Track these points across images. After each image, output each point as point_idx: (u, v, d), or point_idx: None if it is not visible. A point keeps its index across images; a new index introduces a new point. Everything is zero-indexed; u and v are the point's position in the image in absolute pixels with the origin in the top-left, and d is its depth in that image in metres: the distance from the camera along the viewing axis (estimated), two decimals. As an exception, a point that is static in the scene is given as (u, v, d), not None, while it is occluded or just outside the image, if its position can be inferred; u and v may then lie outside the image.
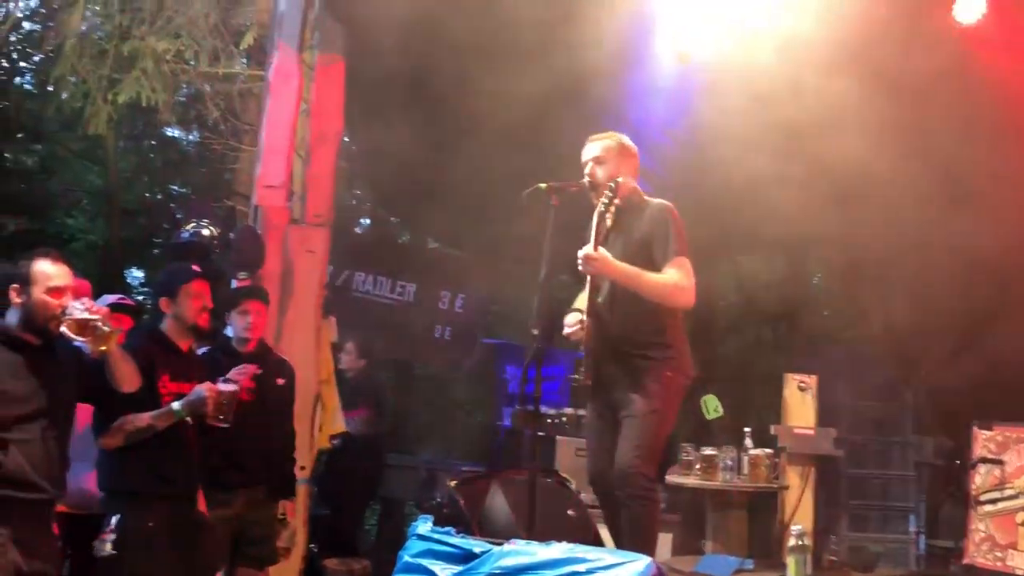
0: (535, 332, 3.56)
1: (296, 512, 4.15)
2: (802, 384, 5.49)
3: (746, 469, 5.10)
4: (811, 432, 5.40)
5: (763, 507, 5.45)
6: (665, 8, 5.42)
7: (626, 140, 3.84)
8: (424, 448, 8.16)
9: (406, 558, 3.00)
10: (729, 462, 5.03)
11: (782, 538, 5.11)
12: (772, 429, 5.43)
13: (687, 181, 6.57)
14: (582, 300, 3.86)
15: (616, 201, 3.52)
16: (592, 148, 3.79)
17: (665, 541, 5.36)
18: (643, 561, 2.70)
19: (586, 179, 3.74)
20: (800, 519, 5.19)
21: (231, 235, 4.70)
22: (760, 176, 6.06)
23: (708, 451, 5.11)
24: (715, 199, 6.75)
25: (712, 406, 5.68)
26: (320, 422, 4.87)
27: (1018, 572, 4.52)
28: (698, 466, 5.13)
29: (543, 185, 3.70)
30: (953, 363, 5.89)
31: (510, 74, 5.11)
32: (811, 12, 5.04)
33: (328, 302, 5.04)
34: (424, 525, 3.10)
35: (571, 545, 2.82)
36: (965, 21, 5.53)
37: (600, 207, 3.52)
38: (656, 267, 3.54)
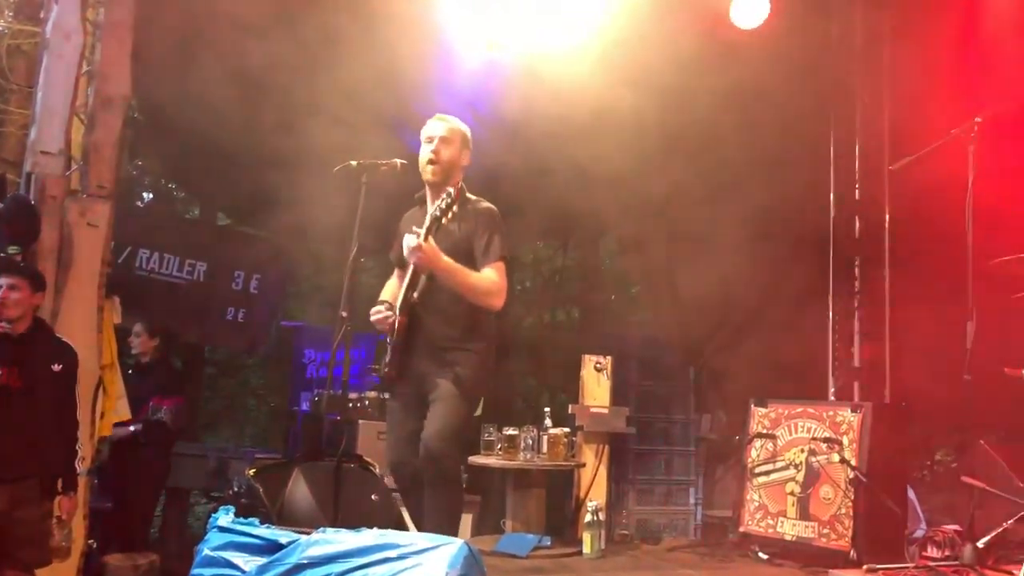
0: (344, 315, 3.48)
1: (76, 507, 3.83)
2: (598, 364, 5.70)
3: (545, 448, 5.24)
4: (606, 411, 5.62)
5: (561, 484, 5.62)
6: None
7: (466, 128, 3.82)
8: (214, 435, 7.79)
9: (206, 551, 2.84)
10: (530, 441, 5.15)
11: (577, 515, 5.31)
12: (570, 408, 5.60)
13: (491, 165, 6.66)
14: (388, 292, 3.83)
15: (454, 208, 3.49)
16: (439, 126, 3.74)
17: (466, 522, 5.41)
18: (456, 544, 2.70)
19: (429, 155, 3.70)
20: (595, 495, 5.40)
21: (-1, 205, 4.24)
22: (557, 164, 6.25)
23: (510, 431, 5.21)
24: (516, 184, 6.89)
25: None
26: (102, 409, 4.52)
27: (786, 537, 4.92)
28: (500, 446, 5.21)
29: (355, 162, 3.63)
30: (733, 346, 6.32)
31: (317, 47, 4.95)
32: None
33: (110, 281, 4.69)
34: (225, 517, 2.94)
35: (382, 531, 2.77)
36: (745, 26, 5.94)
37: (437, 209, 3.48)
38: (474, 265, 3.60)
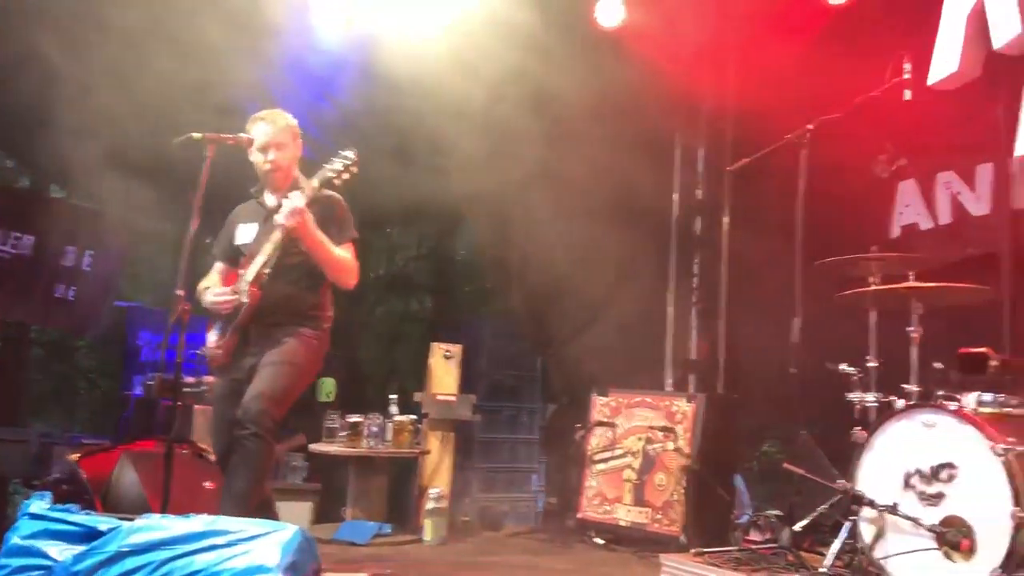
0: (180, 294, 3.34)
1: None
2: (447, 353, 5.71)
3: (390, 435, 5.20)
4: (453, 399, 5.63)
5: (405, 472, 5.60)
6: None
7: (292, 120, 3.75)
8: (40, 420, 7.32)
9: (15, 540, 2.66)
10: (374, 428, 5.10)
11: (420, 502, 5.30)
12: (416, 396, 5.58)
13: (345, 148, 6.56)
14: (212, 278, 3.72)
15: (344, 175, 3.49)
16: (267, 131, 3.66)
17: (306, 510, 5.32)
18: (289, 530, 2.63)
19: (267, 165, 3.64)
20: (439, 483, 5.41)
21: None
22: (414, 151, 6.22)
23: (354, 418, 5.14)
24: (370, 169, 6.79)
25: (327, 390, 5.79)
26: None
27: (621, 523, 5.08)
28: (343, 433, 5.14)
29: (197, 135, 3.49)
30: (580, 337, 6.46)
31: (162, 12, 4.72)
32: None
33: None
34: (39, 503, 2.76)
35: (213, 517, 2.67)
36: (607, 24, 6.09)
37: (329, 172, 3.48)
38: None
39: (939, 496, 3.20)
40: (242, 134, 3.63)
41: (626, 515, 5.09)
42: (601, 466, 5.30)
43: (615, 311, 6.40)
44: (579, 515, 5.31)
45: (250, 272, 3.49)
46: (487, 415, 6.93)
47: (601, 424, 5.35)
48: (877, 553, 3.34)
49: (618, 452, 5.25)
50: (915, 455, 3.30)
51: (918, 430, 3.32)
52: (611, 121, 5.96)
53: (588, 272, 6.20)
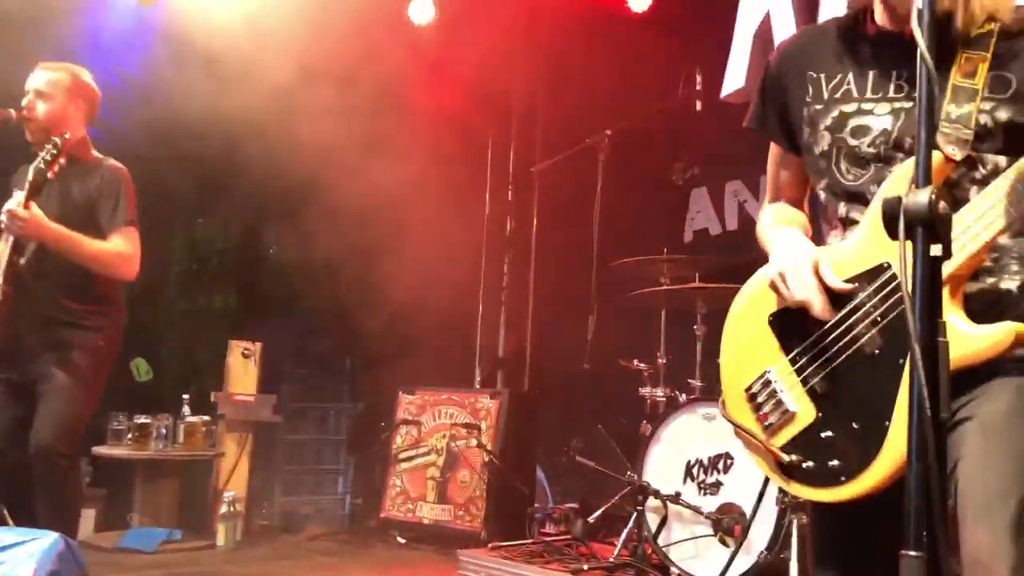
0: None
1: None
2: (246, 351, 5.50)
3: (182, 437, 4.94)
4: (251, 399, 5.42)
5: (198, 475, 5.32)
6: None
7: (84, 76, 3.43)
8: None
9: None
10: (163, 430, 4.82)
11: (214, 506, 5.07)
12: (212, 396, 5.33)
13: (146, 134, 6.21)
14: None
15: (61, 160, 3.10)
16: (38, 78, 3.33)
17: (88, 517, 4.96)
18: (49, 537, 2.43)
19: (22, 111, 3.29)
20: (235, 486, 5.18)
21: None
22: (223, 140, 5.95)
23: (142, 419, 4.85)
24: (168, 153, 6.48)
25: (143, 369, 5.46)
26: None
27: (425, 521, 5.06)
28: (130, 436, 4.83)
29: (-45, 110, 3.17)
30: (389, 334, 6.39)
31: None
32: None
33: None
34: None
35: (-41, 528, 2.42)
36: (419, 22, 6.08)
37: (40, 162, 3.06)
38: (100, 233, 3.26)
39: (717, 485, 3.38)
40: (9, 109, 3.31)
41: (429, 513, 5.08)
42: (405, 464, 5.26)
43: (425, 309, 6.39)
44: (382, 515, 5.25)
45: (2, 257, 3.17)
46: (293, 415, 6.73)
47: (406, 422, 5.31)
48: (661, 541, 3.49)
49: (423, 450, 5.23)
50: (696, 447, 3.47)
51: (699, 423, 3.49)
52: (425, 118, 5.94)
53: (398, 267, 6.15)
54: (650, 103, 4.76)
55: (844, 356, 1.56)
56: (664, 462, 3.58)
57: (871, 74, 1.66)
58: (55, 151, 3.03)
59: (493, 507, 4.85)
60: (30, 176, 3.04)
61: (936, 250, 1.04)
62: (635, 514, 3.56)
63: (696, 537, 3.37)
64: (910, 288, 1.04)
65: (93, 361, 3.27)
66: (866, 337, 1.53)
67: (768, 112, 1.83)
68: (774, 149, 1.87)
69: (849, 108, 1.66)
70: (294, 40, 5.40)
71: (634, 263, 4.17)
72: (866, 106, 1.64)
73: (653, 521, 3.52)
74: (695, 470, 3.45)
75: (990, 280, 1.54)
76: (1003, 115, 1.53)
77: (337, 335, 7.10)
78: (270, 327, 7.18)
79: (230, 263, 8.97)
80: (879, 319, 1.53)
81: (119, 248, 3.24)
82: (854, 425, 1.53)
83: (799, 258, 1.62)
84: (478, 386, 6.26)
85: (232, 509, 4.75)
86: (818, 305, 1.58)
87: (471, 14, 6.06)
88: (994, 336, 1.42)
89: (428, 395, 5.33)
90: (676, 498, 3.43)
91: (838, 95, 1.69)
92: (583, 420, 5.52)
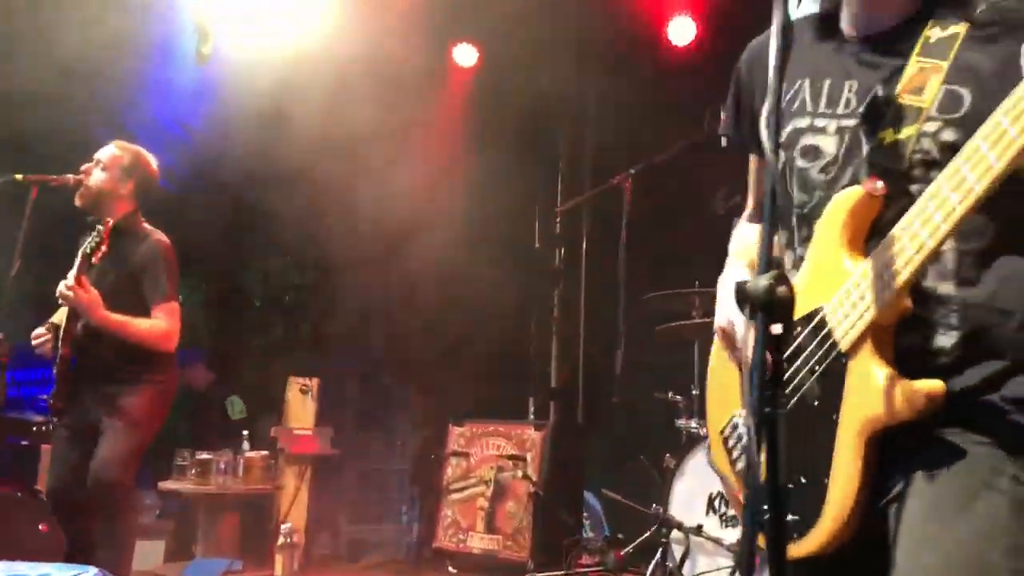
0: None
1: None
2: (304, 387, 5.74)
3: (242, 471, 5.20)
4: (309, 432, 5.66)
5: (259, 508, 5.58)
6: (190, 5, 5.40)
7: (145, 158, 3.73)
8: None
9: None
10: (223, 465, 5.09)
11: (274, 538, 5.30)
12: (272, 431, 5.60)
13: (206, 177, 6.60)
14: (60, 315, 3.71)
15: (103, 247, 3.39)
16: (105, 151, 3.69)
17: (157, 549, 5.26)
18: (89, 571, 2.66)
19: (80, 176, 3.61)
20: (294, 517, 5.42)
21: None
22: (283, 178, 6.26)
23: (203, 455, 5.12)
24: (237, 198, 6.85)
25: (238, 408, 5.77)
26: None
27: (475, 551, 5.20)
28: (193, 471, 5.11)
29: (19, 176, 3.51)
30: (448, 365, 6.57)
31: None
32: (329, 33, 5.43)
33: None
34: None
35: (9, 563, 2.67)
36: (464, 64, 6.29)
37: (87, 247, 3.38)
38: (144, 302, 3.54)
39: (736, 517, 3.42)
40: (68, 176, 3.62)
41: (479, 543, 5.21)
42: (456, 495, 5.41)
43: (481, 340, 6.55)
44: (435, 545, 5.40)
45: (59, 316, 3.50)
46: (357, 445, 6.96)
47: (456, 454, 5.46)
48: (685, 572, 3.54)
49: (472, 481, 5.37)
50: (718, 479, 3.51)
51: (720, 456, 3.54)
52: (480, 160, 6.09)
53: (453, 300, 6.33)
54: (685, 136, 4.82)
55: (791, 404, 1.47)
56: (688, 494, 3.64)
57: (826, 85, 1.50)
58: (99, 239, 3.33)
59: (540, 537, 4.95)
60: (78, 259, 3.35)
61: (777, 329, 1.13)
62: (660, 547, 3.63)
63: (719, 569, 3.42)
64: (762, 363, 1.12)
65: (146, 408, 3.55)
66: (806, 386, 1.45)
67: (741, 117, 1.69)
68: (751, 157, 1.74)
69: (803, 123, 1.52)
70: (343, 88, 5.66)
71: (662, 297, 4.25)
72: (818, 123, 1.50)
73: (677, 552, 3.58)
74: (716, 502, 3.50)
75: (925, 333, 1.39)
76: (948, 137, 1.35)
77: (399, 368, 7.31)
78: (334, 358, 7.45)
79: (301, 300, 9.33)
80: (815, 367, 1.44)
81: (158, 325, 3.52)
82: (802, 479, 1.46)
83: (735, 314, 1.55)
84: (532, 417, 6.38)
85: (290, 540, 4.97)
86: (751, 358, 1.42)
87: (515, 53, 6.24)
88: (911, 393, 1.32)
89: (476, 427, 5.48)
90: (698, 530, 3.48)
91: (794, 107, 1.54)
92: (631, 451, 5.59)
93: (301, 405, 5.70)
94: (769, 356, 1.13)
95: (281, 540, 4.94)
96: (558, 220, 6.73)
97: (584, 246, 6.55)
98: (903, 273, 1.30)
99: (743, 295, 1.14)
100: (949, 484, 1.32)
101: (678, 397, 4.33)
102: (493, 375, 6.55)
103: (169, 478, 5.18)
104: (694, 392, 4.26)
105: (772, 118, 1.17)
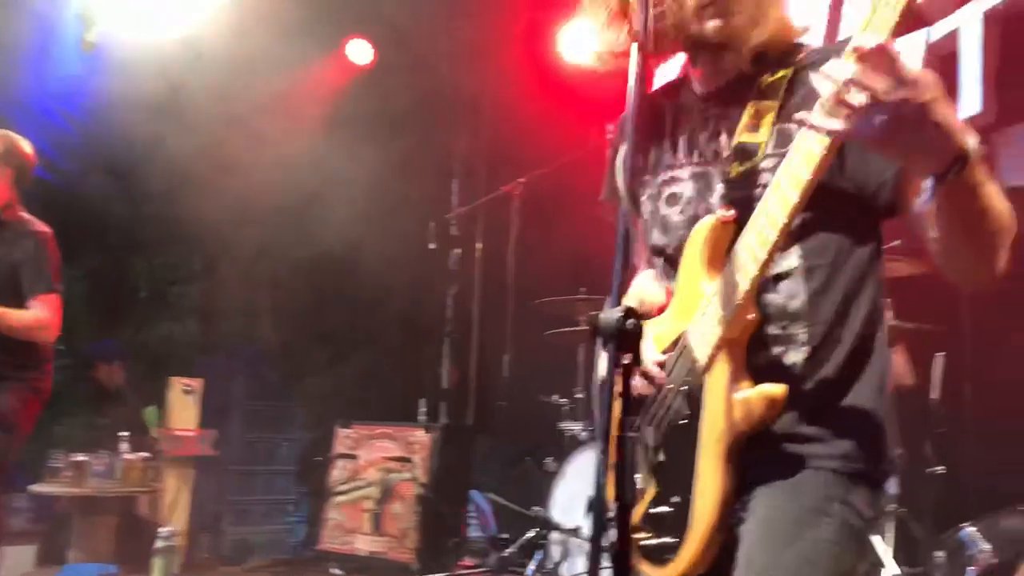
0: None
1: None
2: (187, 387, 5.62)
3: (119, 474, 5.07)
4: (192, 434, 5.55)
5: (139, 511, 5.44)
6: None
7: (18, 144, 3.60)
8: None
9: None
10: (100, 468, 4.95)
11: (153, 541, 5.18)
12: (153, 432, 5.47)
13: (90, 167, 6.39)
14: None
15: None
16: None
17: (27, 553, 5.07)
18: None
19: None
20: (175, 520, 5.31)
21: None
22: (172, 168, 6.10)
23: (79, 457, 4.97)
24: (127, 190, 6.64)
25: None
26: None
27: (361, 553, 5.20)
28: (67, 473, 4.95)
29: None
30: (337, 366, 6.54)
31: None
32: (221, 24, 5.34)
33: None
34: None
35: None
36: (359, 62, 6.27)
37: None
38: (21, 296, 3.44)
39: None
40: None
41: (365, 544, 5.21)
42: (342, 497, 5.39)
43: (371, 341, 6.54)
44: (319, 546, 5.38)
45: None
46: (242, 446, 6.85)
47: (343, 456, 5.45)
48: (564, 572, 3.65)
49: (359, 483, 5.36)
50: (596, 483, 3.63)
51: (599, 460, 3.65)
52: (370, 154, 6.06)
53: (345, 301, 6.30)
54: (578, 144, 4.93)
55: (665, 427, 1.58)
56: (569, 496, 3.74)
57: (681, 140, 1.67)
58: None
59: (426, 538, 4.99)
60: None
61: (627, 358, 1.21)
62: (540, 548, 3.72)
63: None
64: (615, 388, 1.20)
65: (20, 408, 3.44)
66: (675, 407, 1.55)
67: (617, 183, 1.79)
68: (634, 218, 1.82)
69: (664, 176, 1.68)
70: (229, 76, 5.57)
71: (551, 303, 4.34)
72: (677, 173, 1.65)
73: (556, 553, 3.68)
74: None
75: (776, 350, 1.50)
76: None
77: (288, 368, 7.23)
78: (220, 358, 7.30)
79: (188, 295, 9.08)
80: (681, 388, 1.54)
81: (37, 316, 3.42)
82: (675, 499, 1.53)
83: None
84: (423, 418, 6.41)
85: (168, 543, 4.85)
86: (640, 385, 1.58)
87: (411, 55, 6.25)
88: (746, 401, 1.41)
89: (364, 429, 5.48)
90: (576, 532, 3.59)
91: (658, 164, 1.70)
92: (520, 452, 5.68)
93: (184, 406, 5.58)
94: (619, 384, 1.20)
95: (160, 544, 4.82)
96: (453, 222, 6.77)
97: (479, 249, 6.61)
98: (743, 286, 1.41)
99: (596, 328, 1.22)
100: (784, 507, 1.44)
101: (563, 400, 4.44)
102: (384, 376, 6.56)
103: (42, 481, 5.00)
104: (578, 396, 4.38)
105: (625, 168, 1.27)
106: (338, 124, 5.96)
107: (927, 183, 1.27)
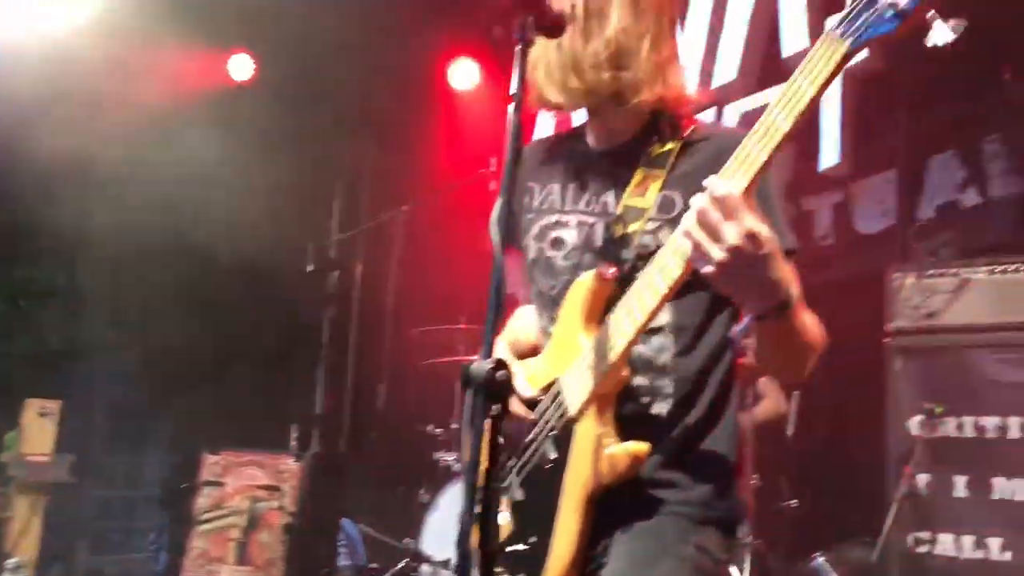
0: None
1: None
2: (43, 410, 5.34)
3: (-37, 502, 4.76)
4: (47, 459, 5.27)
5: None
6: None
7: None
8: None
9: None
10: (-58, 496, 4.64)
11: (0, 572, 4.89)
12: (2, 457, 5.16)
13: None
14: None
15: None
16: None
17: None
18: None
19: None
20: (26, 549, 5.01)
21: None
22: (36, 179, 5.81)
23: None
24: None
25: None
26: None
27: (223, 583, 5.04)
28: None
29: None
30: (204, 391, 6.32)
31: None
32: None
33: None
34: None
35: None
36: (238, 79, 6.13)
37: None
38: None
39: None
40: None
41: (230, 575, 5.05)
42: (207, 526, 5.21)
43: (242, 365, 6.37)
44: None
45: None
46: (103, 470, 6.56)
47: (209, 483, 5.27)
48: (433, 605, 3.64)
49: (225, 511, 5.20)
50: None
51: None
52: (251, 170, 5.91)
53: (215, 323, 6.11)
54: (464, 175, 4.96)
55: (530, 467, 1.62)
56: (441, 527, 3.74)
57: (571, 187, 1.74)
58: None
59: (293, 568, 4.88)
60: None
61: (495, 409, 1.24)
62: (411, 580, 3.71)
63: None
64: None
65: None
66: (542, 449, 1.60)
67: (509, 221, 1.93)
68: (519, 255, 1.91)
69: (551, 219, 1.74)
70: (111, 97, 5.40)
71: (428, 332, 4.35)
72: (564, 218, 1.72)
73: (427, 586, 3.68)
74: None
75: (644, 401, 1.58)
76: (663, 234, 1.57)
77: (154, 391, 6.97)
78: (84, 380, 6.96)
79: (48, 309, 8.63)
80: (550, 433, 1.59)
81: None
82: (532, 539, 1.57)
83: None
84: (293, 446, 6.26)
85: (16, 574, 4.60)
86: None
87: (294, 73, 6.17)
88: (612, 456, 1.49)
89: (232, 456, 5.31)
90: (446, 564, 3.59)
91: (544, 206, 1.76)
92: (393, 482, 5.62)
93: (39, 429, 5.29)
94: (488, 433, 1.23)
95: (5, 575, 4.56)
96: (332, 246, 6.68)
97: (358, 273, 6.54)
98: (619, 346, 1.51)
99: (466, 378, 1.24)
100: (640, 550, 1.52)
101: (438, 430, 4.44)
102: (256, 401, 6.39)
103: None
104: (453, 426, 4.39)
105: (500, 222, 1.31)
106: (215, 139, 5.81)
107: (748, 316, 1.44)
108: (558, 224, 1.72)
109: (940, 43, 1.21)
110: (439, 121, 6.07)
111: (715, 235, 1.27)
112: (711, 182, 1.29)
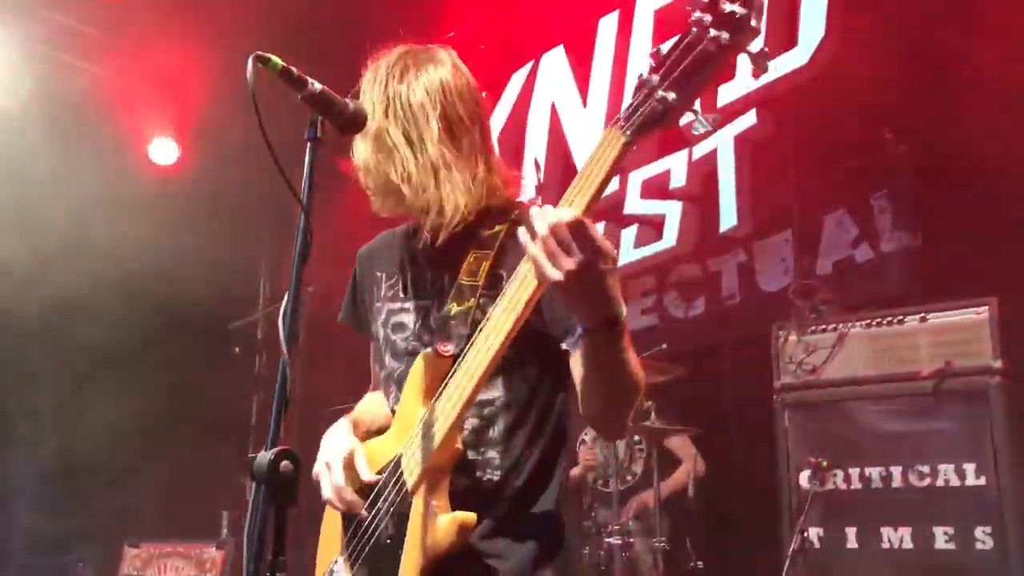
0: None
1: None
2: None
3: None
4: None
5: None
6: None
7: None
8: None
9: None
10: None
11: None
12: None
13: None
14: None
15: None
16: None
17: None
18: None
19: None
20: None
21: None
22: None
23: None
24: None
25: None
26: None
27: None
28: None
29: None
30: (120, 480, 6.12)
31: None
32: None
33: None
34: None
35: None
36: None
37: None
38: None
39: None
40: None
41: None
42: (130, 622, 5.08)
43: (171, 449, 6.22)
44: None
45: None
46: (20, 567, 6.35)
47: (129, 577, 5.15)
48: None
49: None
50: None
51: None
52: (175, 250, 5.85)
53: (141, 406, 5.97)
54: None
55: (370, 545, 1.67)
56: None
57: (410, 275, 1.87)
58: None
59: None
60: None
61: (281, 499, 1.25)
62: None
63: None
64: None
65: None
66: (382, 526, 1.65)
67: (357, 308, 2.01)
68: (372, 342, 2.00)
69: (394, 306, 1.86)
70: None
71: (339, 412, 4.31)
72: (404, 304, 1.85)
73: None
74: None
75: (476, 474, 1.67)
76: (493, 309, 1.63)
77: (73, 483, 6.75)
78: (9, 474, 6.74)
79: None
80: (390, 508, 1.64)
81: None
82: None
83: (335, 456, 1.73)
84: (225, 533, 6.12)
85: None
86: (343, 503, 1.68)
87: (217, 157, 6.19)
88: (442, 527, 1.55)
89: (154, 548, 5.21)
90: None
91: (390, 294, 1.89)
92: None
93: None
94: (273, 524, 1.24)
95: None
96: (259, 327, 6.65)
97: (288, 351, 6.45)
98: (449, 419, 1.57)
99: (251, 469, 1.25)
100: None
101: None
102: (186, 488, 6.23)
103: None
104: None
105: (285, 318, 1.35)
106: (138, 220, 5.75)
107: (578, 329, 1.50)
108: (401, 310, 1.84)
109: (701, 132, 1.31)
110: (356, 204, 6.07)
111: (567, 248, 1.33)
112: (557, 210, 1.36)
